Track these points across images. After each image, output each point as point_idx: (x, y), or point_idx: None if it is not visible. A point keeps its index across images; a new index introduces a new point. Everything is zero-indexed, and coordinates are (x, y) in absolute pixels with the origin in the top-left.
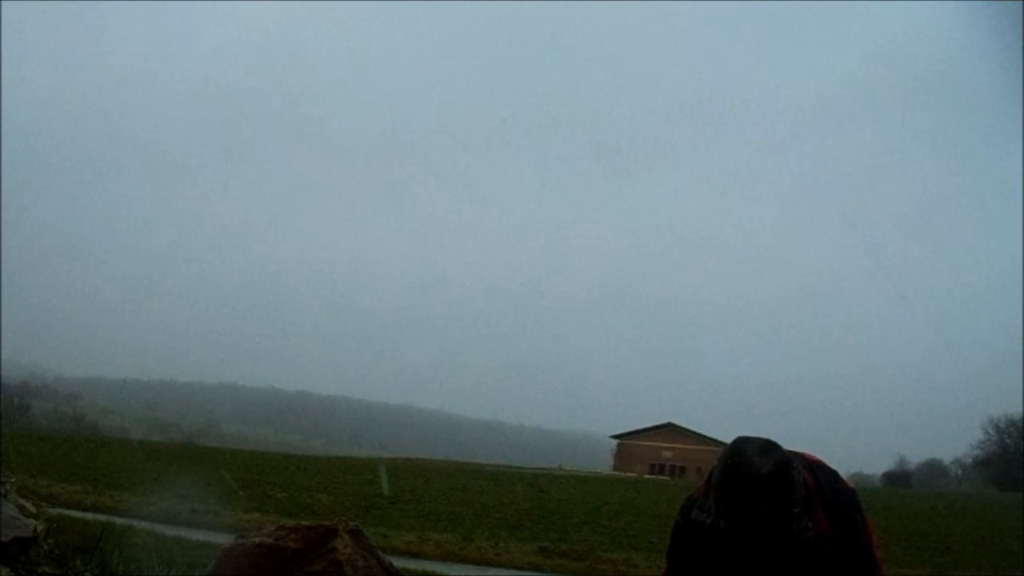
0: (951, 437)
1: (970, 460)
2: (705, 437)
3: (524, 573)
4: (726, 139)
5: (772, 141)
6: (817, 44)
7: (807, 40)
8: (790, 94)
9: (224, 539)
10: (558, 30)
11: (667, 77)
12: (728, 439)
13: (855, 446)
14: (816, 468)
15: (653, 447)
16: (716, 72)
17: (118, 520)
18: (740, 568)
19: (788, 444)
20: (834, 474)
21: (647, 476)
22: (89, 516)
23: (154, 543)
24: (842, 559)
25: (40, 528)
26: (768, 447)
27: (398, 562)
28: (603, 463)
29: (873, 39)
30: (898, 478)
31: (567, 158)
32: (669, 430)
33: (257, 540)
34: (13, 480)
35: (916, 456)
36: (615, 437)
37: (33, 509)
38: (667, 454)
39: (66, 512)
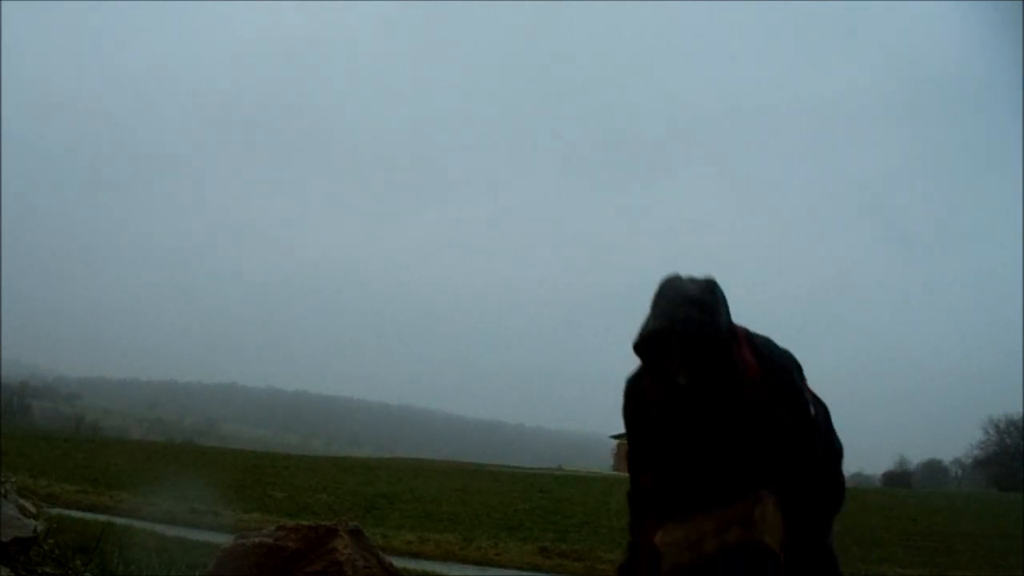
0: (951, 437)
1: (970, 460)
2: None
3: (524, 573)
4: (731, 144)
5: (771, 146)
6: (834, 49)
7: (826, 45)
8: (803, 99)
9: (224, 539)
10: (580, 36)
11: (682, 82)
12: None
13: (855, 446)
14: (750, 331)
15: None
16: (733, 77)
17: (118, 520)
18: (678, 384)
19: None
20: (769, 338)
21: None
22: (89, 516)
23: (154, 543)
24: (772, 403)
25: (40, 528)
26: (701, 278)
27: (398, 562)
28: (603, 463)
29: (890, 44)
30: (898, 478)
31: (573, 160)
32: None
33: (257, 540)
34: (13, 480)
35: (916, 456)
36: (615, 437)
37: (33, 509)
38: None
39: (66, 512)
